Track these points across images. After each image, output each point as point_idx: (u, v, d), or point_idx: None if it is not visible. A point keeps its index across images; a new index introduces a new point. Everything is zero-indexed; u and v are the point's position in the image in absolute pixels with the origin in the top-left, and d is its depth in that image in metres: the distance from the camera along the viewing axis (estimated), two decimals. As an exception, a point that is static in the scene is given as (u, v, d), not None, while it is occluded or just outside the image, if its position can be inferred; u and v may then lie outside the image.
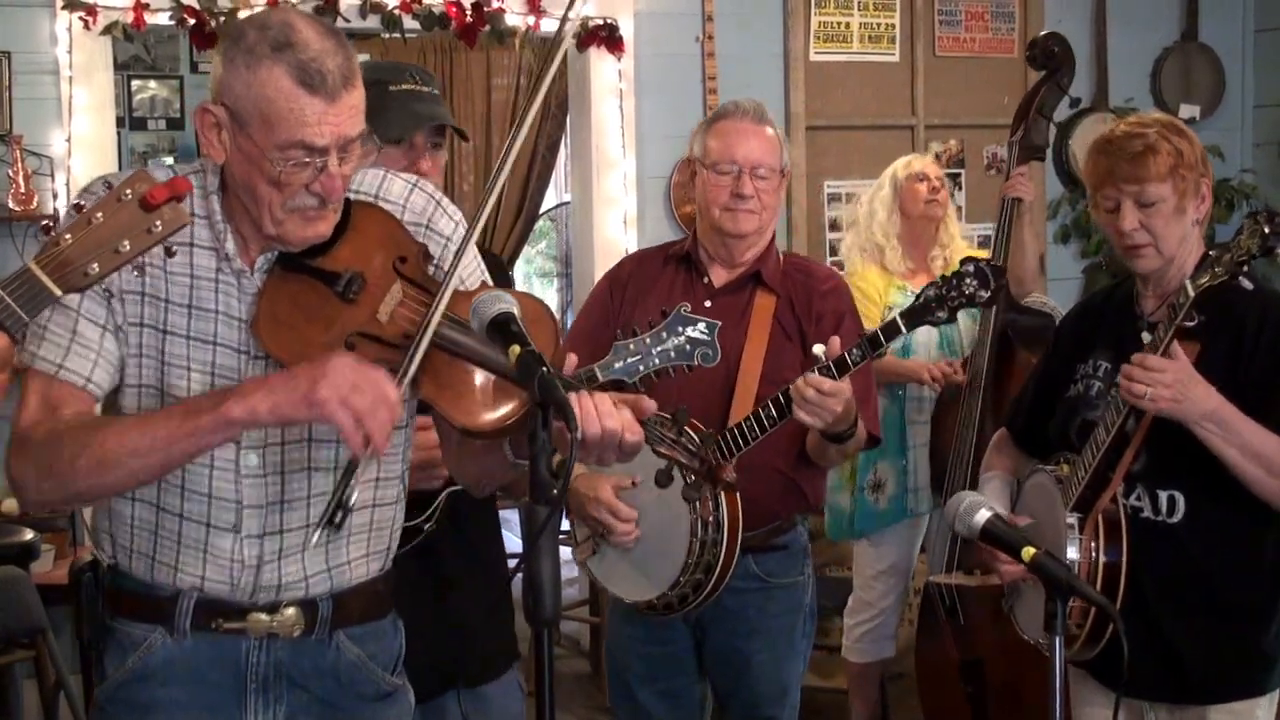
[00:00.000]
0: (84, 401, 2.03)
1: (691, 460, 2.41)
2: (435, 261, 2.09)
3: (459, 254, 2.05)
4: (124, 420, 2.01)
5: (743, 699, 3.21)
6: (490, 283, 2.15)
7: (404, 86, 2.70)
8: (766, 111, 3.19)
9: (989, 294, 2.84)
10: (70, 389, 2.01)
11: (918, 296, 2.88)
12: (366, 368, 1.87)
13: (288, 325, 2.00)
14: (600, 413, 1.90)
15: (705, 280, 3.19)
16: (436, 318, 1.95)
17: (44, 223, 1.86)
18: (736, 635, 3.16)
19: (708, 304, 3.13)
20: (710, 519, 2.93)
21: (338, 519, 1.97)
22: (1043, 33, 4.99)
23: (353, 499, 2.00)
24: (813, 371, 2.80)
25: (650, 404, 1.98)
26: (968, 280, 2.82)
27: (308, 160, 1.93)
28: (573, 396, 1.88)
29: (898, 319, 2.84)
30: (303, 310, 2.00)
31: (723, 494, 2.93)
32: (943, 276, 2.88)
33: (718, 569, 2.95)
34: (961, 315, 4.40)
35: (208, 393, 1.99)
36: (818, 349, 2.83)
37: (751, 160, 3.09)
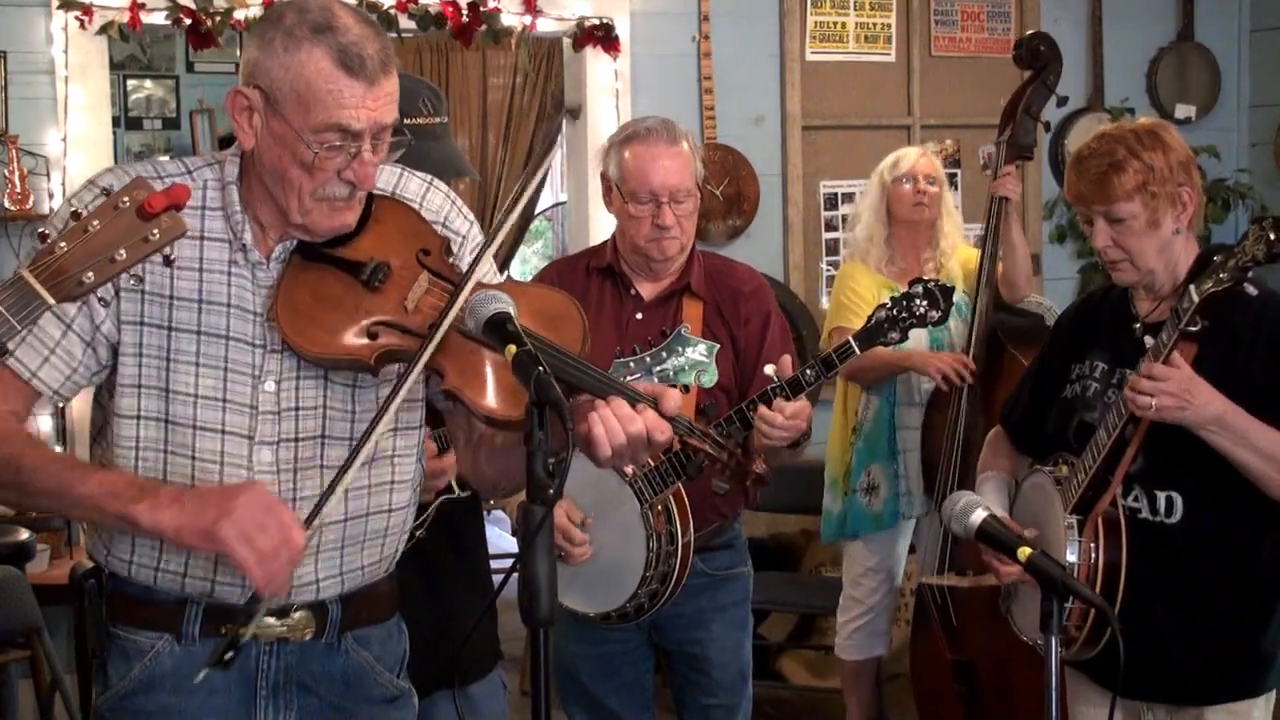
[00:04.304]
0: (25, 394, 2.00)
1: (720, 453, 2.41)
2: (455, 257, 2.08)
3: (484, 247, 2.03)
4: (49, 459, 1.99)
5: (703, 689, 3.25)
6: (510, 276, 2.16)
7: (418, 121, 2.67)
8: (677, 127, 3.16)
9: (939, 314, 2.88)
10: (14, 378, 1.99)
11: (869, 318, 2.90)
12: (277, 509, 1.85)
13: (309, 315, 1.98)
14: (621, 418, 1.88)
15: (632, 293, 3.20)
16: (456, 308, 1.92)
17: (41, 229, 1.83)
18: (693, 628, 3.21)
19: (639, 316, 3.17)
20: (664, 531, 2.96)
21: (228, 658, 1.88)
22: (1029, 32, 5.00)
23: (248, 636, 1.90)
24: (769, 395, 2.80)
25: (676, 396, 1.95)
26: (917, 301, 2.87)
27: (341, 144, 1.91)
28: (594, 417, 1.87)
29: (851, 341, 2.87)
30: (324, 300, 1.98)
31: (674, 505, 2.95)
32: (892, 297, 2.91)
33: (673, 579, 2.99)
34: (952, 316, 4.42)
35: (134, 482, 1.95)
36: (769, 369, 2.85)
37: (670, 187, 3.07)
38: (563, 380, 1.78)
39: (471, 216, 2.16)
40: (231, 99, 1.97)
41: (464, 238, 2.12)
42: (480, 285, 1.99)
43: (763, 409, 2.79)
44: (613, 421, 1.88)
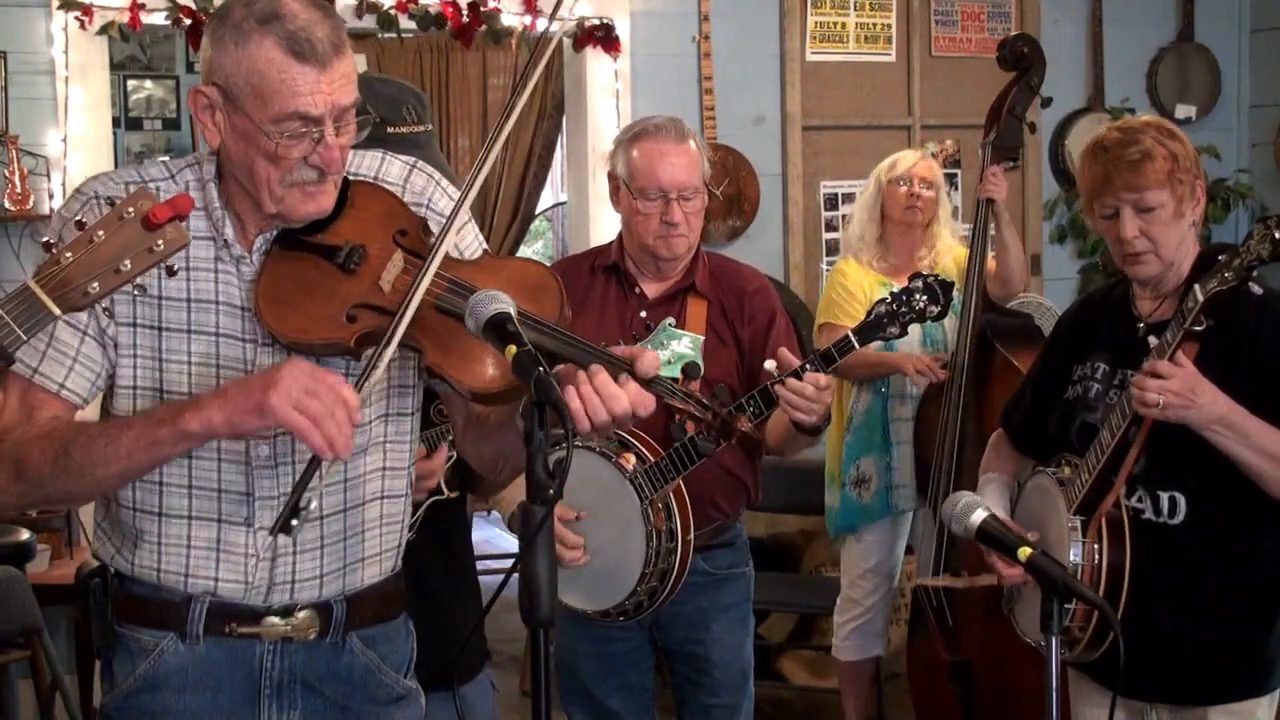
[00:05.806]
0: (59, 407, 2.01)
1: (704, 413, 2.41)
2: (433, 236, 2.06)
3: (452, 215, 2.02)
4: (91, 428, 1.98)
5: (705, 688, 3.25)
6: (489, 251, 2.15)
7: (402, 129, 2.64)
8: (685, 126, 3.17)
9: (939, 309, 2.89)
10: (45, 394, 1.99)
11: (869, 313, 2.91)
12: (322, 372, 1.84)
13: (289, 303, 1.98)
14: (605, 397, 1.86)
15: (637, 291, 3.21)
16: (426, 279, 1.93)
17: (45, 239, 1.84)
18: (695, 628, 3.21)
19: (643, 314, 3.18)
20: (663, 528, 2.96)
21: (292, 525, 1.88)
22: (1012, 34, 5.02)
23: (311, 504, 1.89)
24: (775, 382, 2.79)
25: (654, 359, 1.93)
26: (917, 296, 2.88)
27: (303, 131, 1.91)
28: (571, 390, 1.86)
29: (850, 335, 2.88)
30: (304, 287, 1.99)
31: (675, 502, 2.95)
32: (892, 293, 2.92)
33: (673, 576, 2.99)
34: (949, 313, 4.43)
35: (170, 404, 1.95)
36: (769, 364, 2.85)
37: (678, 184, 3.09)
38: (544, 350, 1.78)
39: (457, 195, 2.14)
40: (192, 99, 1.97)
41: (447, 217, 2.11)
42: (450, 259, 2.00)
43: (792, 380, 2.78)
44: (594, 401, 1.86)
